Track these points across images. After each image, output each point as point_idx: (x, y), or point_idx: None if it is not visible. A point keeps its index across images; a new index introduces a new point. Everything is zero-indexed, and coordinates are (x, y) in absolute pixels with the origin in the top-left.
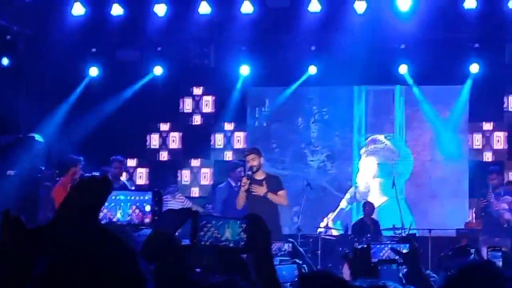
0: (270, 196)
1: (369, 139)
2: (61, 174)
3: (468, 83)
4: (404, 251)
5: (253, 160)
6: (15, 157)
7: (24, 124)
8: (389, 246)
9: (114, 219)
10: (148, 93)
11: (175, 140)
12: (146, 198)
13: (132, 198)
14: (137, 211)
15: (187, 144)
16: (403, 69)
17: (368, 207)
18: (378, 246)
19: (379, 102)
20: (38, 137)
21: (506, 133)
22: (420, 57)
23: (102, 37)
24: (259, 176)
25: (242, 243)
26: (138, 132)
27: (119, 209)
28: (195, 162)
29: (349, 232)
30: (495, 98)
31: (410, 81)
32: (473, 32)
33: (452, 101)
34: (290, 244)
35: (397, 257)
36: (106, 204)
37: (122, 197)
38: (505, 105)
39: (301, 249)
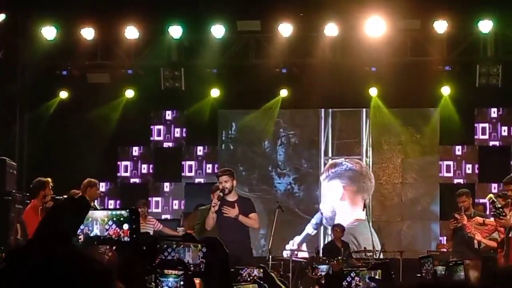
0: (242, 218)
1: (329, 163)
2: (32, 197)
3: (440, 106)
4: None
5: (225, 182)
6: None
7: None
8: (365, 275)
9: (92, 234)
10: (120, 116)
11: (145, 166)
12: (124, 215)
13: (110, 214)
14: (114, 226)
15: (158, 168)
16: (373, 91)
17: (339, 229)
18: (351, 273)
19: (347, 124)
20: (8, 159)
21: (476, 156)
22: (391, 80)
23: (73, 60)
24: (231, 197)
25: (201, 267)
26: (108, 155)
27: (96, 225)
28: (166, 186)
29: (320, 255)
30: (466, 121)
31: (380, 103)
32: (444, 56)
33: (423, 123)
34: (261, 269)
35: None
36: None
37: (99, 214)
38: (476, 129)
39: (272, 274)
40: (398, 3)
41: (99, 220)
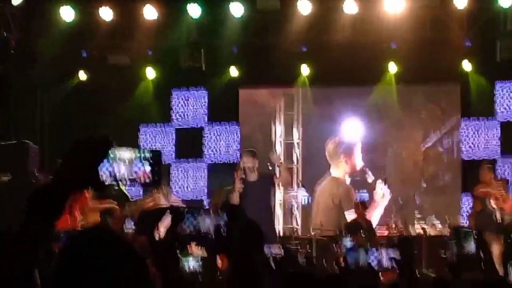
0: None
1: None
2: None
3: (461, 81)
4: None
5: (249, 163)
6: (9, 163)
7: (16, 130)
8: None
9: (119, 176)
10: (141, 96)
11: (167, 146)
12: (147, 156)
13: (135, 154)
14: (142, 168)
15: (180, 148)
16: (393, 68)
17: (361, 206)
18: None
19: (366, 102)
20: (31, 142)
21: (498, 129)
22: (411, 56)
23: (92, 41)
24: (253, 177)
25: (223, 235)
26: (130, 133)
27: (122, 166)
28: (188, 166)
29: (343, 233)
30: (487, 96)
31: (393, 80)
32: (464, 31)
33: (444, 99)
34: (281, 246)
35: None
36: (110, 161)
37: (124, 154)
38: (497, 104)
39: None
40: None
41: (126, 161)
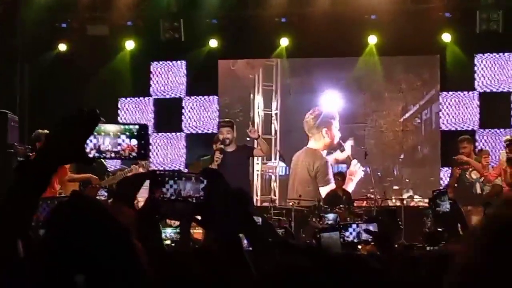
0: (260, 141)
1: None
2: (33, 150)
3: (441, 53)
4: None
5: (227, 133)
6: None
7: None
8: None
9: (103, 148)
10: (120, 67)
11: (145, 117)
12: (133, 130)
13: (121, 128)
14: (127, 140)
15: (159, 119)
16: (372, 39)
17: (340, 177)
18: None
19: (346, 73)
20: (10, 113)
21: (477, 101)
22: (391, 27)
23: (72, 12)
24: (231, 148)
25: (201, 197)
26: (109, 105)
27: (107, 139)
28: (167, 137)
29: (322, 203)
30: (467, 67)
31: (374, 51)
32: (444, 2)
33: (424, 70)
34: (260, 218)
35: (369, 238)
36: (94, 133)
37: (110, 128)
38: (476, 74)
39: (270, 222)
40: None
41: (111, 134)
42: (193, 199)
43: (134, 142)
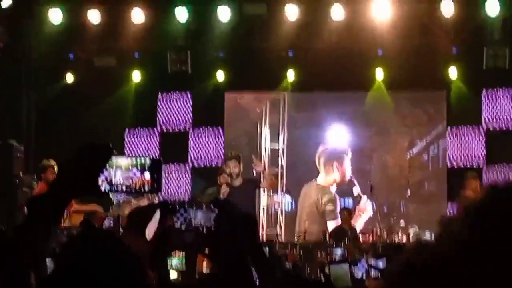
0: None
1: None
2: (39, 180)
3: (447, 88)
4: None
5: (234, 167)
6: None
7: (1, 129)
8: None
9: (114, 181)
10: (126, 99)
11: (151, 149)
12: (145, 163)
13: (133, 162)
14: (138, 174)
15: (165, 151)
16: (379, 74)
17: (346, 212)
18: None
19: (352, 107)
20: (15, 143)
21: (484, 138)
22: (397, 62)
23: (80, 43)
24: (238, 182)
25: (213, 227)
26: (115, 137)
27: (119, 172)
28: (172, 169)
29: (327, 239)
30: (473, 103)
31: (382, 86)
32: (451, 38)
33: (430, 106)
34: (267, 249)
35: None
36: (106, 167)
37: (122, 161)
38: (483, 112)
39: (278, 255)
40: None
41: (123, 167)
42: (203, 228)
43: (146, 175)
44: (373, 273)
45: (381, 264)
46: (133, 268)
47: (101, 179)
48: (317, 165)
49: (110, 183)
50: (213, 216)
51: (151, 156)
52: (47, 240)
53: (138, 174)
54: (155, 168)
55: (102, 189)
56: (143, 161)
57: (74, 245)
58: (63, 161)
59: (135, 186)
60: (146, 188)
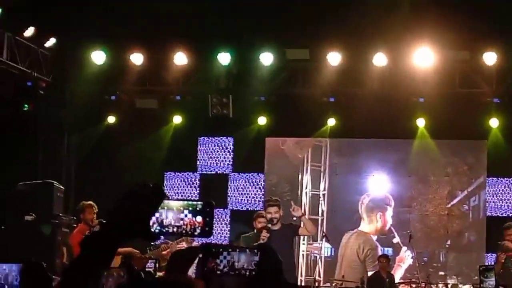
0: (304, 219)
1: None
2: (78, 221)
3: (488, 138)
4: None
5: (275, 213)
6: (34, 203)
7: (43, 170)
8: None
9: (165, 222)
10: (167, 142)
11: (191, 193)
12: (198, 207)
13: (185, 203)
14: (189, 216)
15: (204, 195)
16: (421, 122)
17: (384, 259)
18: None
19: (394, 155)
20: (56, 183)
21: None
22: (438, 111)
23: (122, 85)
24: (276, 226)
25: (254, 271)
26: (155, 179)
27: (170, 214)
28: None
29: (365, 285)
30: None
31: (426, 134)
32: (493, 87)
33: (470, 155)
34: None
35: None
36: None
37: (173, 203)
38: None
39: None
40: (447, 34)
41: (174, 209)
42: (246, 271)
43: (199, 219)
44: None
45: None
46: None
47: (152, 221)
48: (360, 213)
49: (161, 224)
50: (255, 260)
51: (204, 200)
52: (97, 281)
53: (189, 216)
54: (208, 211)
55: (153, 230)
56: (195, 204)
57: None
58: (115, 201)
59: (186, 228)
60: (198, 231)
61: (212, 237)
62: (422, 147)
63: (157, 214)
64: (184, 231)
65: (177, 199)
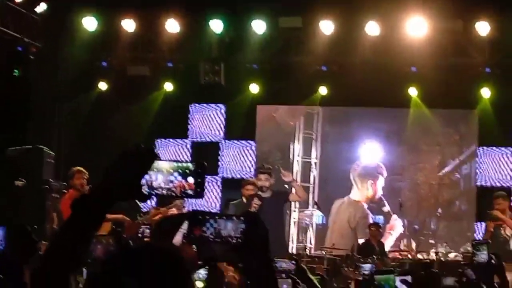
0: (295, 184)
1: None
2: (68, 187)
3: (479, 108)
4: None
5: (265, 180)
6: (24, 169)
7: (33, 135)
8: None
9: (155, 184)
10: (158, 109)
11: (183, 157)
12: (190, 167)
13: (175, 165)
14: (179, 178)
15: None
16: (413, 91)
17: (374, 228)
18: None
19: (385, 124)
20: (46, 149)
21: None
22: (431, 80)
23: (113, 51)
24: (266, 194)
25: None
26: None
27: (160, 175)
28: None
29: (355, 253)
30: (506, 124)
31: (420, 103)
32: (485, 57)
33: (462, 125)
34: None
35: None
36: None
37: (164, 164)
38: None
39: (304, 267)
40: (440, 4)
41: (164, 171)
42: (233, 239)
43: (190, 180)
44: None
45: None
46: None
47: (141, 183)
48: (352, 181)
49: (150, 186)
50: (241, 227)
51: (196, 160)
52: (86, 245)
53: (179, 178)
54: (199, 172)
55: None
56: (185, 166)
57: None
58: (101, 162)
59: (176, 190)
60: (189, 193)
61: (203, 203)
62: (415, 117)
63: (146, 177)
64: (173, 193)
65: (168, 160)
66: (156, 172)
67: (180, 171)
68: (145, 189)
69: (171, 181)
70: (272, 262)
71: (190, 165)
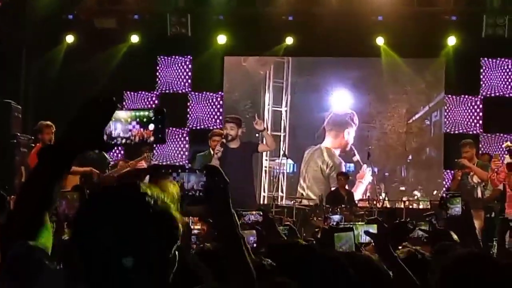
0: (265, 133)
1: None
2: (36, 141)
3: (445, 55)
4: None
5: (231, 129)
6: None
7: (0, 90)
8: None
9: (114, 134)
10: (126, 61)
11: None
12: (149, 115)
13: (133, 114)
14: (137, 127)
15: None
16: (380, 40)
17: (343, 177)
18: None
19: (352, 73)
20: (14, 103)
21: (481, 106)
22: (397, 29)
23: (80, 4)
24: (234, 144)
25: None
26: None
27: (119, 125)
28: (171, 132)
29: (324, 202)
30: (472, 71)
31: (389, 51)
32: (451, 5)
33: (428, 73)
34: (260, 213)
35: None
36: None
37: (122, 114)
38: (481, 78)
39: (271, 218)
40: None
41: (122, 120)
42: (196, 192)
43: (151, 127)
44: (363, 238)
45: (371, 230)
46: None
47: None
48: (327, 128)
49: (109, 136)
50: (203, 180)
51: (154, 108)
52: (54, 189)
53: (137, 126)
54: (159, 118)
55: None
56: (144, 114)
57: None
58: (69, 116)
59: (135, 139)
60: (150, 140)
61: (173, 155)
62: (383, 66)
63: (106, 127)
64: (132, 142)
65: (127, 109)
66: (115, 122)
67: (138, 119)
68: (105, 139)
69: (130, 130)
70: (233, 214)
71: (148, 113)
